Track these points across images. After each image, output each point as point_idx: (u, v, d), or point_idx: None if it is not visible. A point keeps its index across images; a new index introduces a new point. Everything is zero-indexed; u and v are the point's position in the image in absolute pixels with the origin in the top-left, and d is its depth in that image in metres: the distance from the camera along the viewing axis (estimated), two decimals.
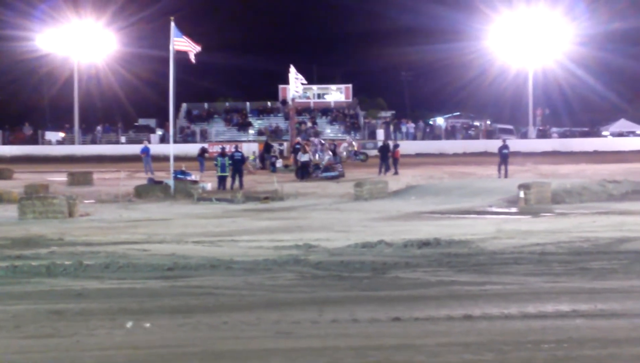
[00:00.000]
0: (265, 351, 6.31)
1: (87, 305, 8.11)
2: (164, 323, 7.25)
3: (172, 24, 25.06)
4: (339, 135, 60.23)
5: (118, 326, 7.12)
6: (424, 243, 12.63)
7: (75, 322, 7.29)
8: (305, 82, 45.23)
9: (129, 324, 5.47)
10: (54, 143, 61.42)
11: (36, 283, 9.50)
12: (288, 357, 6.14)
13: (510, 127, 62.70)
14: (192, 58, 25.19)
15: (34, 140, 61.15)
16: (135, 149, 46.23)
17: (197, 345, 6.50)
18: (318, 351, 6.28)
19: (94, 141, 61.36)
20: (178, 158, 27.74)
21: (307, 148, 35.61)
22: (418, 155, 49.77)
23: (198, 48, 25.32)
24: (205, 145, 45.46)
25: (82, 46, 59.77)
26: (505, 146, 31.15)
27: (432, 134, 62.09)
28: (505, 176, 29.82)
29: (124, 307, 8.00)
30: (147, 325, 6.49)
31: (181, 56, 26.08)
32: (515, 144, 44.89)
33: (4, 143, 60.42)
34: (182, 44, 25.11)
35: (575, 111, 66.80)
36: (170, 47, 25.35)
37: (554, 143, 57.11)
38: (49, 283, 9.51)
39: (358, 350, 6.29)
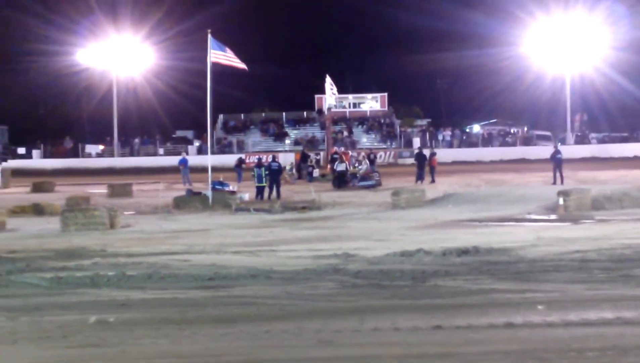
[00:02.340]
0: (307, 360, 6.37)
1: (131, 315, 8.24)
2: (207, 332, 7.34)
3: (210, 36, 25.35)
4: (375, 144, 60.25)
5: (162, 335, 7.23)
6: (463, 251, 12.59)
7: (121, 332, 7.42)
8: (336, 92, 45.38)
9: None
10: (93, 156, 62.36)
11: (81, 294, 9.67)
12: None
13: (548, 133, 62.13)
14: (240, 66, 25.49)
15: (74, 153, 62.12)
16: (172, 161, 46.78)
17: (241, 353, 6.58)
18: (360, 359, 6.32)
19: (132, 154, 62.17)
20: (215, 169, 27.99)
21: (346, 158, 35.67)
22: (455, 163, 49.58)
23: (240, 63, 25.60)
24: (242, 156, 45.80)
25: (121, 59, 60.70)
26: (558, 151, 31.00)
27: (469, 141, 61.81)
28: (562, 182, 29.33)
29: (167, 317, 8.12)
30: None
31: (218, 68, 26.37)
32: (561, 150, 44.61)
33: (45, 157, 61.46)
34: (221, 56, 25.38)
35: (613, 116, 65.97)
36: (208, 60, 25.64)
37: (592, 149, 56.49)
38: (94, 293, 9.68)
39: (400, 358, 6.32)
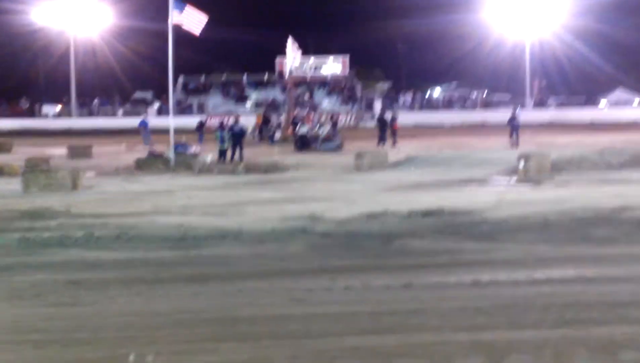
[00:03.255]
0: (281, 317, 6.49)
1: (103, 275, 8.28)
2: (181, 291, 7.43)
3: None
4: (336, 107, 60.28)
5: (135, 294, 7.30)
6: (428, 213, 12.79)
7: (94, 291, 7.46)
8: (299, 54, 45.10)
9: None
10: (50, 117, 61.45)
11: (50, 254, 9.66)
12: (304, 322, 6.32)
13: (507, 98, 62.77)
14: (195, 31, 25.15)
15: (31, 114, 61.14)
16: (132, 122, 46.36)
17: (215, 311, 6.68)
18: (333, 316, 6.46)
19: (91, 115, 61.40)
20: (176, 131, 27.75)
21: (308, 120, 35.71)
22: (416, 126, 49.83)
23: (204, 17, 25.22)
24: (204, 118, 45.51)
25: (78, 19, 59.55)
26: (513, 117, 31.70)
27: (430, 105, 62.17)
28: (517, 145, 30.00)
29: (139, 276, 8.18)
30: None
31: (178, 29, 26.04)
32: (519, 114, 45.16)
33: (1, 117, 60.40)
34: (182, 17, 25.02)
35: (571, 82, 66.87)
36: (169, 21, 25.30)
37: (551, 114, 57.24)
38: (63, 254, 9.68)
39: (372, 315, 6.48)
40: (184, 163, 25.27)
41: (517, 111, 34.73)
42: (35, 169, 20.73)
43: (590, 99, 63.96)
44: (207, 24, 25.95)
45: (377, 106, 58.33)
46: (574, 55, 61.99)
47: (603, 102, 63.50)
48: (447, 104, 62.02)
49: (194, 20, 25.29)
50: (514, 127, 31.62)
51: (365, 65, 72.87)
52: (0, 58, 64.98)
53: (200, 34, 26.11)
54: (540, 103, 62.09)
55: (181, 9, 25.08)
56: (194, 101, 62.50)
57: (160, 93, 61.03)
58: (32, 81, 69.15)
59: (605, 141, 30.92)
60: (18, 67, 67.26)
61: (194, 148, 29.91)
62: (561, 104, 62.04)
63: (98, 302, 7.01)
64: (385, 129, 34.68)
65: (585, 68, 63.75)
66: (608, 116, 54.84)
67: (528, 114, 55.31)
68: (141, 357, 5.40)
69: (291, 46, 42.97)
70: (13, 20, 60.11)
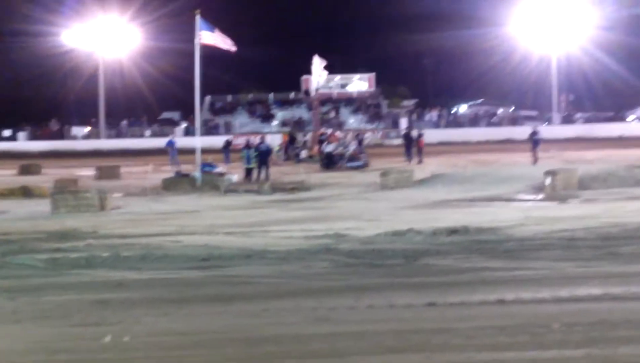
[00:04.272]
0: (306, 336, 6.51)
1: (129, 295, 8.36)
2: (206, 311, 7.48)
3: (198, 17, 25.31)
4: (362, 125, 60.38)
5: (162, 314, 7.36)
6: (453, 231, 12.77)
7: (120, 311, 7.54)
8: (327, 70, 45.22)
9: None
10: (79, 138, 62.19)
11: (77, 274, 9.78)
12: (329, 341, 6.34)
13: (533, 113, 62.43)
14: (229, 47, 25.48)
15: (60, 135, 61.90)
16: (159, 142, 46.70)
17: (241, 331, 6.72)
18: (357, 335, 6.47)
19: (119, 135, 62.04)
20: (203, 151, 27.99)
21: (334, 139, 35.81)
22: (441, 143, 49.75)
23: (229, 42, 25.57)
24: (230, 137, 45.79)
25: (107, 40, 60.34)
26: (535, 133, 31.73)
27: (456, 122, 62.02)
28: (535, 161, 30.08)
29: (164, 296, 8.24)
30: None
31: (205, 49, 26.33)
32: (540, 131, 44.99)
33: (31, 139, 61.20)
34: (210, 37, 25.35)
35: (599, 96, 66.38)
36: (196, 41, 25.61)
37: (578, 129, 56.85)
38: (90, 274, 9.79)
39: (396, 333, 6.48)
40: (211, 182, 25.47)
41: (538, 126, 34.95)
42: (63, 191, 20.99)
43: (618, 114, 63.41)
44: (236, 42, 26.29)
45: (403, 123, 58.30)
46: (602, 69, 61.54)
47: (631, 117, 62.93)
48: (473, 120, 61.80)
49: (224, 40, 25.66)
50: (535, 142, 31.67)
51: (391, 82, 72.96)
52: (30, 80, 66.01)
53: (227, 54, 26.42)
54: (567, 118, 61.65)
55: (211, 30, 25.42)
56: (221, 120, 62.92)
57: (188, 113, 61.45)
58: (62, 103, 70.03)
59: (633, 156, 30.65)
60: (48, 89, 68.16)
61: (220, 168, 30.13)
62: (588, 119, 61.57)
63: (123, 321, 7.08)
64: (411, 146, 34.70)
65: (613, 82, 63.22)
66: (636, 130, 54.32)
67: (555, 129, 55.04)
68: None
69: (317, 64, 43.16)
70: (43, 43, 61.03)
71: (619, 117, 62.28)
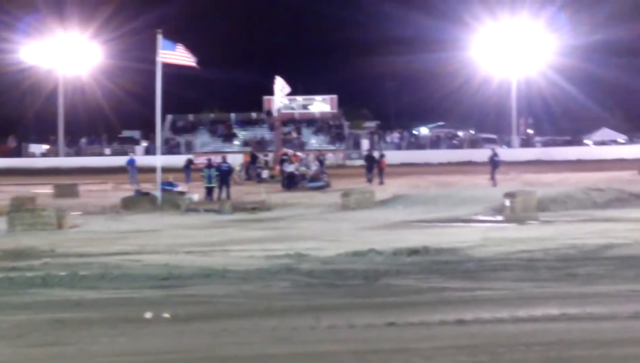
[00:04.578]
0: (266, 356, 6.47)
1: (87, 315, 8.24)
2: (165, 331, 7.40)
3: (159, 37, 25.23)
4: (324, 145, 60.53)
5: (120, 334, 7.26)
6: (413, 251, 12.83)
7: (77, 331, 7.42)
8: (289, 91, 45.34)
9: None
10: (37, 155, 61.32)
11: (34, 294, 9.61)
12: (289, 361, 6.31)
13: (494, 136, 63.24)
14: (191, 64, 25.47)
15: (17, 152, 61.00)
16: (119, 161, 46.33)
17: (200, 350, 6.65)
18: (318, 355, 6.45)
19: (78, 153, 61.34)
20: (164, 169, 27.81)
21: (295, 159, 35.85)
22: (403, 165, 50.05)
23: (192, 58, 25.53)
24: (191, 156, 45.57)
25: (67, 58, 59.80)
26: (495, 155, 32.32)
27: (417, 144, 62.52)
28: (494, 184, 30.54)
29: (123, 316, 8.13)
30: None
31: (166, 68, 26.23)
32: (499, 153, 45.67)
33: None
34: (172, 56, 25.28)
35: (557, 120, 67.54)
36: (157, 60, 25.50)
37: (537, 152, 57.72)
38: (46, 293, 9.63)
39: (356, 353, 6.47)
40: (171, 201, 25.29)
41: (497, 149, 35.64)
42: (20, 209, 20.68)
43: (576, 138, 64.51)
44: (198, 61, 26.22)
45: (365, 144, 58.59)
46: (560, 94, 62.66)
47: (589, 141, 64.06)
48: (435, 142, 62.37)
49: (186, 57, 25.60)
50: (494, 164, 32.38)
51: (353, 104, 73.45)
52: None
53: (188, 72, 26.38)
54: (526, 141, 62.54)
55: (173, 49, 25.34)
56: (182, 139, 62.60)
57: (148, 132, 61.09)
58: (20, 120, 69.13)
59: (590, 179, 31.17)
60: (5, 106, 67.27)
61: (181, 187, 29.96)
62: (547, 143, 62.53)
63: (80, 342, 6.96)
64: (372, 168, 34.87)
65: (571, 107, 64.40)
66: (593, 154, 55.33)
67: (515, 152, 55.77)
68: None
69: (279, 85, 43.25)
70: (1, 60, 60.28)
71: (577, 141, 63.35)
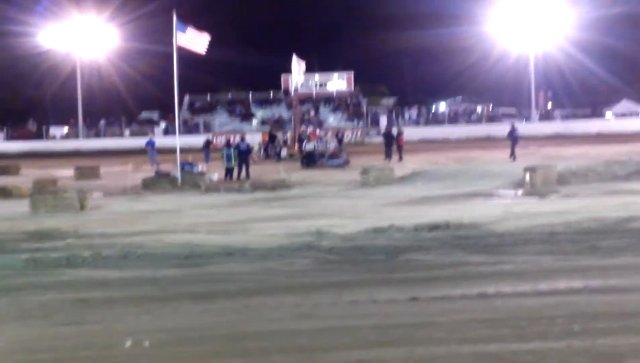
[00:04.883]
0: (289, 332, 6.50)
1: (111, 294, 8.32)
2: (189, 308, 7.46)
3: (175, 18, 25.20)
4: (342, 123, 60.42)
5: (144, 312, 7.33)
6: (434, 227, 12.84)
7: (102, 310, 7.50)
8: (304, 70, 45.22)
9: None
10: (58, 138, 61.71)
11: (58, 274, 9.72)
12: (312, 336, 6.33)
13: (512, 111, 62.82)
14: (200, 50, 25.37)
15: (38, 136, 61.42)
16: (139, 142, 46.53)
17: (224, 327, 6.70)
18: (340, 330, 6.48)
19: (97, 135, 61.64)
20: (183, 150, 27.92)
21: (314, 137, 35.84)
22: (421, 141, 49.91)
23: (206, 37, 25.44)
24: (210, 136, 45.67)
25: (84, 41, 59.95)
26: (514, 129, 32.20)
27: (435, 119, 62.24)
28: (513, 159, 30.43)
29: (146, 295, 8.21)
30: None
31: (183, 49, 26.21)
32: (518, 128, 45.41)
33: (8, 139, 60.65)
34: (185, 38, 25.24)
35: (576, 94, 66.90)
36: (174, 41, 25.50)
37: (556, 126, 57.26)
38: (71, 273, 9.73)
39: (379, 328, 6.49)
40: (191, 181, 25.41)
41: (516, 123, 35.39)
42: (43, 191, 20.85)
43: (596, 111, 63.94)
44: (211, 43, 26.16)
45: (383, 121, 58.42)
46: (578, 67, 62.05)
47: (609, 114, 63.47)
48: (453, 118, 62.06)
49: (197, 41, 25.51)
50: (514, 139, 32.17)
51: (370, 81, 73.15)
52: (6, 81, 65.42)
53: (205, 53, 26.32)
54: (545, 115, 62.07)
55: (183, 31, 25.29)
56: (200, 120, 62.70)
57: (167, 113, 61.29)
58: (39, 103, 69.51)
59: (611, 152, 30.93)
60: (25, 89, 67.65)
61: (200, 167, 30.05)
62: (566, 116, 62.05)
63: (105, 319, 7.04)
64: (391, 145, 34.77)
65: (590, 80, 63.77)
66: (614, 127, 54.81)
67: (534, 127, 55.40)
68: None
69: (296, 63, 43.15)
70: (19, 43, 60.54)
71: (597, 114, 62.78)
